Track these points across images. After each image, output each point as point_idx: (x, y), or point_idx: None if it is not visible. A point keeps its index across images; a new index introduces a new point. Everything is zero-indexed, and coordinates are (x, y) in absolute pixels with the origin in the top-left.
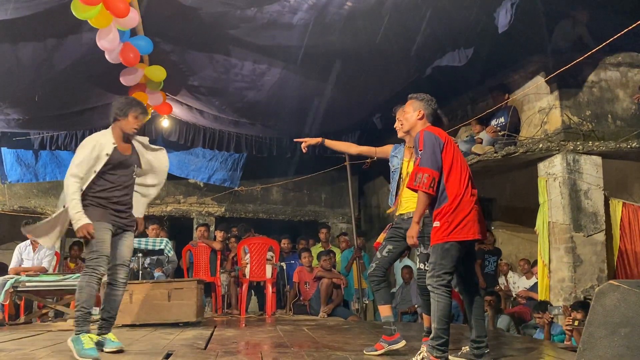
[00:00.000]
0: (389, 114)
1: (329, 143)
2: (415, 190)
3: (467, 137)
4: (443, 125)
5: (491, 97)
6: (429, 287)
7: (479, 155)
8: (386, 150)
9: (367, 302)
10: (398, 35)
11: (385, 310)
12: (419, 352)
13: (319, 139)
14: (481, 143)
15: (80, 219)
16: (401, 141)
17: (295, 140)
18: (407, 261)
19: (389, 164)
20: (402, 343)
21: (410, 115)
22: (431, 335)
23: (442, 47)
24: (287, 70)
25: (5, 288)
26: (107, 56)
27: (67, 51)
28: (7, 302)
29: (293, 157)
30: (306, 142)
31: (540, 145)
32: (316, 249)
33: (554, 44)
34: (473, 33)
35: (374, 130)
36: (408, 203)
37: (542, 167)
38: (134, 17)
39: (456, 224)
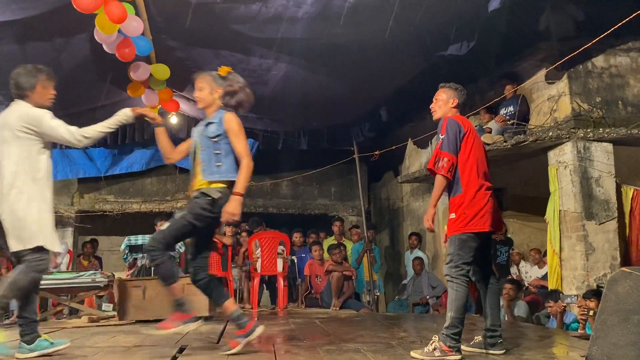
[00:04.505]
0: (394, 106)
1: (161, 135)
2: (434, 174)
3: (476, 126)
4: None
5: (499, 86)
6: (447, 277)
7: (488, 144)
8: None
9: (378, 294)
10: (403, 26)
11: (176, 289)
12: (431, 341)
13: (159, 120)
14: (490, 132)
15: (123, 111)
16: None
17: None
18: (418, 252)
19: None
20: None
21: (444, 103)
22: (445, 324)
23: (447, 38)
24: (293, 64)
25: None
26: (105, 48)
27: (74, 50)
28: None
29: (301, 150)
30: (141, 112)
31: (550, 134)
32: (327, 242)
33: (561, 31)
34: (478, 22)
35: (381, 122)
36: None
37: (552, 155)
38: (138, 26)
39: (472, 215)
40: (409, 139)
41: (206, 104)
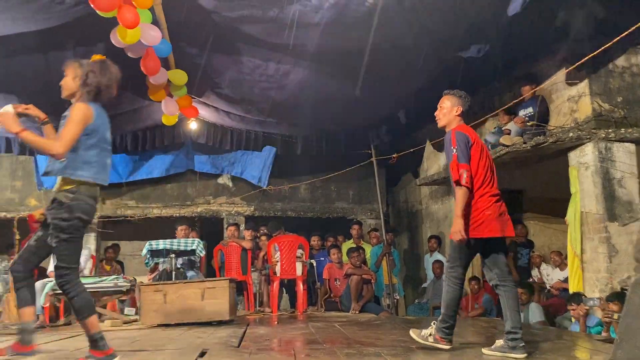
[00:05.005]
0: (412, 108)
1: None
2: (459, 185)
3: (494, 128)
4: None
5: (518, 87)
6: (444, 277)
7: (507, 146)
8: None
9: (398, 297)
10: (420, 29)
11: (26, 314)
12: (429, 327)
13: (43, 117)
14: (509, 134)
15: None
16: None
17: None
18: (438, 255)
19: None
20: None
21: (448, 111)
22: (439, 318)
23: (464, 40)
24: (311, 68)
25: (45, 291)
26: (128, 53)
27: None
28: (48, 305)
29: (319, 154)
30: (24, 109)
31: (571, 134)
32: (346, 245)
33: (581, 31)
34: (495, 23)
35: (399, 125)
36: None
37: (572, 156)
38: (156, 35)
39: (471, 222)
40: (428, 141)
41: (69, 91)
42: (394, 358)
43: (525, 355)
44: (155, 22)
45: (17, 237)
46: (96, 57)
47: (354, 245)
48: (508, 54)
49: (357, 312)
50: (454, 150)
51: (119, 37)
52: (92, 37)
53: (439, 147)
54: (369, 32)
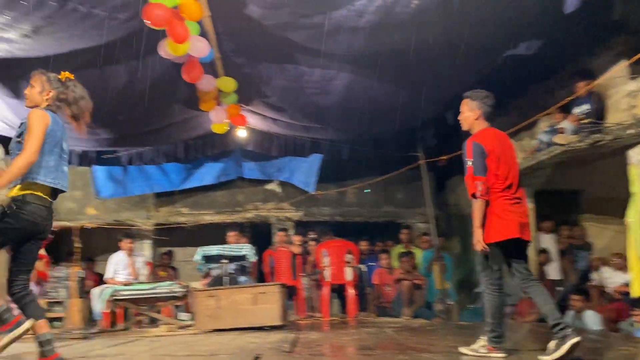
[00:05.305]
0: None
1: None
2: (475, 198)
3: (548, 127)
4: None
5: (571, 84)
6: (482, 286)
7: (562, 145)
8: None
9: (450, 303)
10: (468, 27)
11: (40, 327)
12: (480, 340)
13: None
14: (564, 133)
15: None
16: None
17: None
18: None
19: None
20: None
21: (468, 116)
22: (487, 329)
23: (515, 36)
24: (356, 72)
25: (104, 297)
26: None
27: (147, 71)
28: (107, 310)
29: (366, 158)
30: None
31: (630, 131)
32: (396, 250)
33: (637, 23)
34: (548, 18)
35: (447, 126)
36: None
37: (632, 154)
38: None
39: (491, 227)
40: None
41: (33, 103)
42: None
43: (579, 338)
44: (203, 33)
45: (77, 245)
46: (65, 74)
47: (404, 250)
48: (560, 49)
49: (409, 317)
50: (470, 163)
51: (169, 50)
52: (144, 50)
53: None
54: (414, 33)
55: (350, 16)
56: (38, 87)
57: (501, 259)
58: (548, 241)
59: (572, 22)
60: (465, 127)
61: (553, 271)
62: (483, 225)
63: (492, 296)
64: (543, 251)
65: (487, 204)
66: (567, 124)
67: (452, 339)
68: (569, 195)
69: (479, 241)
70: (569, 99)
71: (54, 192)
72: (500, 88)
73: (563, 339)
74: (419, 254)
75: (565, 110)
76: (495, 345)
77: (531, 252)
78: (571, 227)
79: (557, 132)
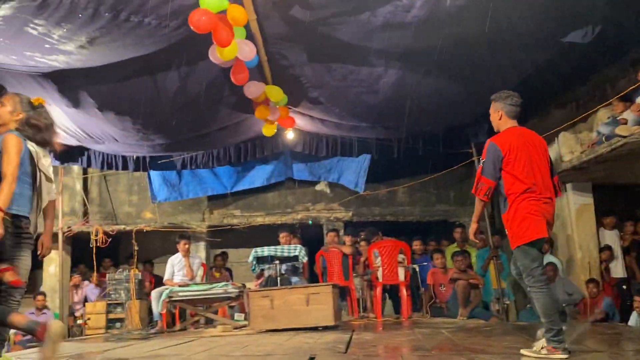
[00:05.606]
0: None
1: None
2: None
3: (608, 118)
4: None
5: (633, 72)
6: (528, 289)
7: (624, 137)
8: None
9: (507, 302)
10: (520, 16)
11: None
12: (540, 341)
13: None
14: (626, 123)
15: None
16: None
17: None
18: (550, 257)
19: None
20: None
21: (493, 118)
22: (544, 330)
23: (569, 24)
24: (404, 69)
25: (162, 298)
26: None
27: (198, 77)
28: (164, 311)
29: (417, 156)
30: None
31: None
32: (450, 250)
33: None
34: (604, 3)
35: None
36: None
37: None
38: (250, 51)
39: (517, 229)
40: None
41: (2, 121)
42: None
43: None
44: (250, 36)
45: (136, 247)
46: (38, 100)
47: (458, 249)
48: (621, 36)
49: (464, 318)
50: (482, 162)
51: (218, 55)
52: (194, 56)
53: (547, 141)
54: (464, 26)
55: (396, 12)
56: (9, 107)
57: (539, 255)
58: (610, 238)
59: (633, 6)
60: (494, 128)
61: (617, 269)
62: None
63: (540, 294)
64: (606, 248)
65: (516, 201)
66: (629, 115)
67: (510, 340)
68: (634, 189)
69: (471, 233)
70: (631, 88)
71: (17, 217)
72: (556, 79)
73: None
74: (474, 253)
75: (627, 100)
76: (557, 346)
77: (593, 249)
78: (635, 223)
79: (618, 123)
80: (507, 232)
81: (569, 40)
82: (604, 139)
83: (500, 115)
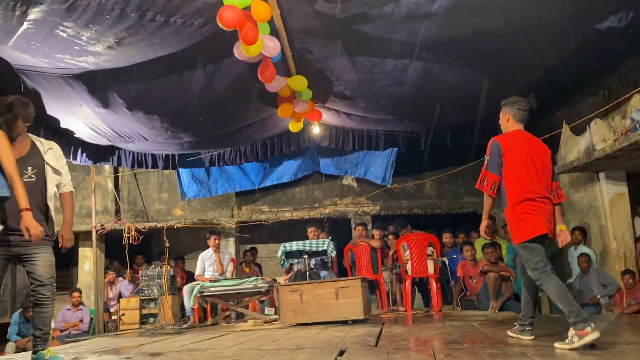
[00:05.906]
0: (544, 91)
1: None
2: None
3: None
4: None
5: None
6: (537, 283)
7: None
8: None
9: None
10: (546, 7)
11: None
12: (569, 333)
13: None
14: None
15: None
16: None
17: None
18: (583, 248)
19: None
20: None
21: (501, 122)
22: (567, 317)
23: (603, 8)
24: (430, 60)
25: (194, 294)
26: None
27: (223, 74)
28: (196, 306)
29: (444, 148)
30: None
31: None
32: (479, 242)
33: None
34: None
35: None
36: None
37: None
38: (274, 47)
39: (517, 228)
40: (565, 125)
41: None
42: (542, 358)
43: (533, 337)
44: (274, 32)
45: (167, 244)
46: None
47: (488, 241)
48: None
49: (496, 310)
50: (486, 159)
51: (243, 51)
52: (219, 53)
53: (578, 130)
54: (490, 15)
55: (420, 3)
56: None
57: (541, 249)
58: None
59: None
60: (503, 131)
61: None
62: (513, 226)
63: (548, 279)
64: None
65: (515, 200)
66: None
67: (542, 332)
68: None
69: (482, 230)
70: None
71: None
72: (587, 66)
73: (521, 332)
74: (504, 245)
75: None
76: (583, 326)
77: (628, 239)
78: None
79: None
80: (508, 229)
81: (604, 26)
82: (638, 125)
83: (508, 119)
